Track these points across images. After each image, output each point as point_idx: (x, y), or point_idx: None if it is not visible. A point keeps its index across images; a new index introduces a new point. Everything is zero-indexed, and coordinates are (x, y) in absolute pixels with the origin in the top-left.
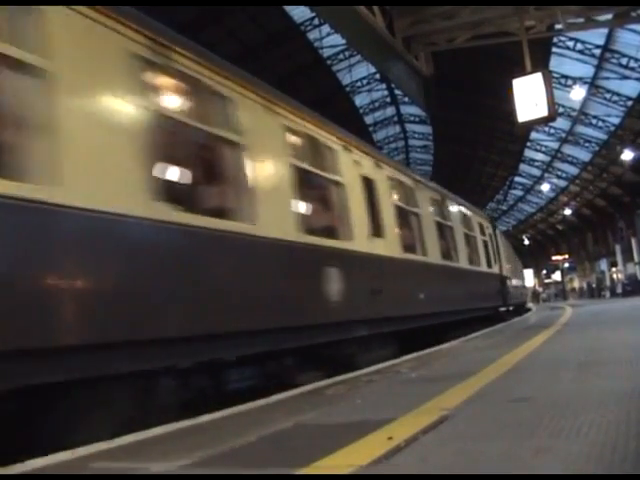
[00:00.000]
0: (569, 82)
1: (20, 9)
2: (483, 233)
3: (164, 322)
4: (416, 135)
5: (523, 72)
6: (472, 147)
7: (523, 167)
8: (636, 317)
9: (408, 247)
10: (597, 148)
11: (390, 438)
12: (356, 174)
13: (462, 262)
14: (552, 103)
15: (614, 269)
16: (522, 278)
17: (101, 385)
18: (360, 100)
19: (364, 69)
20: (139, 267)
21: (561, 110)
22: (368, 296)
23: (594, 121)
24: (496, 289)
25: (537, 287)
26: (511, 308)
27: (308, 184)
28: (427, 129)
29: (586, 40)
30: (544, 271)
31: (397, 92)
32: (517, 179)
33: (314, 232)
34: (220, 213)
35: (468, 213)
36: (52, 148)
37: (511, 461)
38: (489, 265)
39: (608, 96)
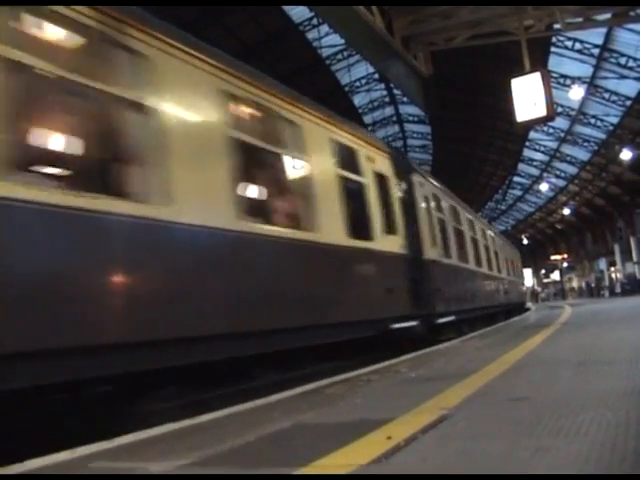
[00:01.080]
0: (568, 81)
1: None
2: (355, 170)
3: None
4: (415, 135)
5: (522, 72)
6: (471, 147)
7: (522, 167)
8: (635, 316)
9: None
10: (596, 147)
11: (389, 437)
12: None
13: (242, 221)
14: (551, 103)
15: (613, 268)
16: (517, 274)
17: None
18: (359, 100)
19: (363, 69)
20: None
21: (560, 109)
22: None
23: (593, 120)
24: (389, 285)
25: (536, 287)
26: (449, 319)
27: None
28: (426, 129)
29: (585, 39)
30: (543, 270)
31: (396, 92)
32: (516, 179)
33: None
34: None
35: (288, 114)
36: None
37: (510, 460)
38: (368, 234)
39: (607, 95)
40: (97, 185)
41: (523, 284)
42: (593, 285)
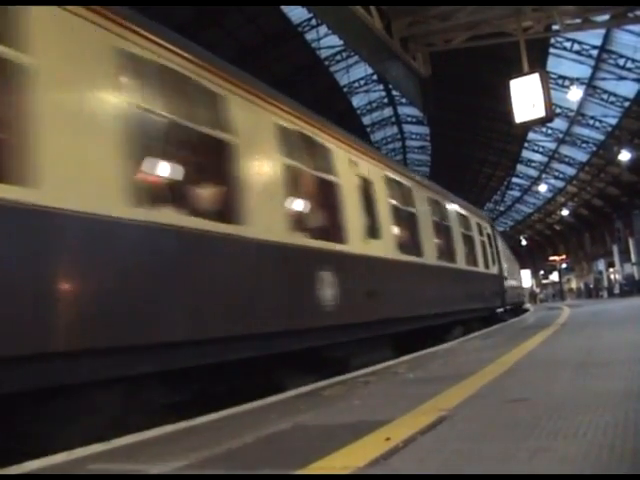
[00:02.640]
0: (566, 83)
1: None
2: None
3: None
4: (413, 136)
5: (520, 73)
6: (469, 148)
7: (520, 168)
8: (634, 317)
9: None
10: (594, 148)
11: (388, 439)
12: None
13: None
14: (549, 104)
15: (611, 269)
16: (479, 258)
17: None
18: (358, 101)
19: (362, 70)
20: None
21: (558, 111)
22: None
23: (591, 122)
24: None
25: (535, 287)
26: None
27: None
28: (424, 130)
29: (583, 41)
30: (542, 272)
31: (395, 93)
32: (514, 180)
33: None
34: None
35: None
36: None
37: (509, 462)
38: None
39: (605, 97)
40: None
41: (499, 276)
42: (592, 286)
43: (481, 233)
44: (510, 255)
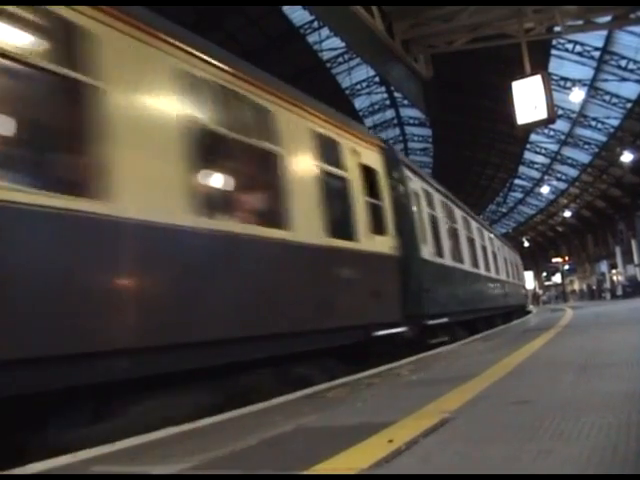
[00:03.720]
0: (568, 84)
1: None
2: None
3: None
4: (415, 138)
5: (522, 74)
6: (471, 149)
7: (523, 169)
8: (636, 319)
9: None
10: (597, 150)
11: (391, 441)
12: None
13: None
14: (551, 105)
15: (614, 271)
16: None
17: None
18: (360, 103)
19: (364, 72)
20: None
21: (560, 112)
22: None
23: (593, 123)
24: None
25: (537, 289)
26: None
27: None
28: (426, 131)
29: (585, 42)
30: (544, 273)
31: (397, 95)
32: (517, 181)
33: None
34: None
35: None
36: None
37: (512, 464)
38: None
39: (607, 98)
40: None
41: (402, 258)
42: (594, 288)
43: (336, 163)
44: (489, 235)
